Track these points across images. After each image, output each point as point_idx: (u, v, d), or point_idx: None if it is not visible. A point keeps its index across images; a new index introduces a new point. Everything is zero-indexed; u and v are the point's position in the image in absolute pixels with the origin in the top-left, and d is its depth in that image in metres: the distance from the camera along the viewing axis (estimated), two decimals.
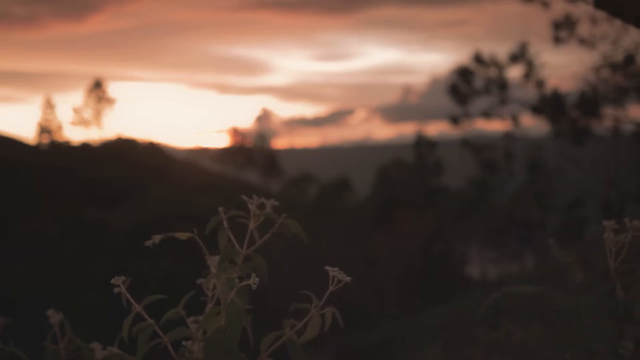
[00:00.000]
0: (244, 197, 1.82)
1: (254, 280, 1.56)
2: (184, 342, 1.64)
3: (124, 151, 47.01)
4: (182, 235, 1.74)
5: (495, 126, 36.84)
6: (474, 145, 33.94)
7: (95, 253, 30.30)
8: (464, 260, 40.25)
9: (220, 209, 1.81)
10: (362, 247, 31.73)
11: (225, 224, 1.80)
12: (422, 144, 42.24)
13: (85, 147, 48.70)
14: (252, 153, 56.66)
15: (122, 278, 1.66)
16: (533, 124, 36.22)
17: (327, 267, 1.61)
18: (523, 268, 33.31)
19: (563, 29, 24.31)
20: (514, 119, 32.70)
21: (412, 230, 35.16)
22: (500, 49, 35.77)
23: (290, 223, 1.79)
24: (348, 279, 1.59)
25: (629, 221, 1.62)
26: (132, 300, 1.65)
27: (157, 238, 1.72)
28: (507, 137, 33.70)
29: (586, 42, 23.52)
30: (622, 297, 1.57)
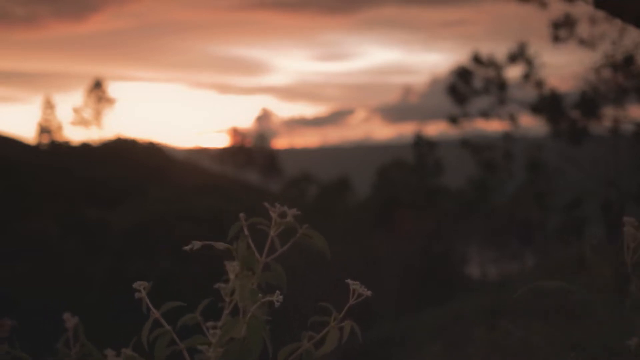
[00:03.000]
0: (266, 205, 1.79)
1: (278, 298, 1.55)
2: (199, 347, 1.63)
3: (124, 151, 47.00)
4: (220, 246, 1.73)
5: (494, 126, 36.83)
6: (474, 145, 33.93)
7: (95, 253, 30.29)
8: (464, 260, 40.24)
9: (242, 215, 1.78)
10: (362, 247, 31.70)
11: (246, 230, 1.78)
12: (421, 144, 42.22)
13: (85, 147, 48.69)
14: (252, 153, 56.63)
15: (144, 283, 1.65)
16: (533, 124, 36.24)
17: (348, 280, 1.60)
18: (523, 268, 33.34)
19: (562, 29, 24.31)
20: (513, 119, 32.71)
21: (412, 230, 35.15)
22: (501, 49, 35.80)
23: (313, 234, 1.77)
24: (369, 293, 1.58)
25: None
26: (151, 307, 1.64)
27: (197, 244, 1.70)
28: (507, 137, 33.70)
29: (586, 42, 23.53)
30: (637, 294, 1.57)
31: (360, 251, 30.80)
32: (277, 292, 1.57)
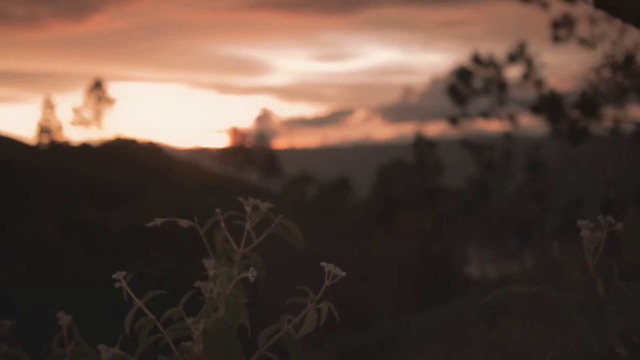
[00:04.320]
0: (240, 198, 1.83)
1: (252, 273, 1.57)
2: (183, 343, 1.65)
3: (124, 151, 47.00)
4: (184, 223, 1.76)
5: (494, 126, 36.82)
6: (474, 145, 33.94)
7: (95, 253, 30.30)
8: (464, 260, 40.28)
9: (218, 210, 1.82)
10: (362, 247, 31.72)
11: (223, 224, 1.81)
12: (421, 144, 42.24)
13: (85, 147, 48.67)
14: (252, 153, 56.65)
15: (123, 273, 1.67)
16: (533, 124, 36.24)
17: (322, 263, 1.63)
18: (522, 267, 33.35)
19: (562, 29, 24.32)
20: (513, 119, 32.71)
21: (412, 230, 35.16)
22: (500, 49, 35.82)
23: (289, 224, 1.79)
24: (343, 273, 1.60)
25: (602, 217, 1.66)
26: (133, 296, 1.66)
27: (158, 221, 1.75)
28: (507, 137, 33.70)
29: (586, 42, 23.53)
30: (603, 295, 1.60)
31: (360, 251, 30.80)
32: (251, 268, 1.58)
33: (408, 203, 39.28)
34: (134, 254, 27.76)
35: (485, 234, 39.77)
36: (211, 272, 1.74)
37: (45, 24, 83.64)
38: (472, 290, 27.52)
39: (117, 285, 1.66)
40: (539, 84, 30.01)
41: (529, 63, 30.70)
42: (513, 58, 31.30)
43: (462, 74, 32.19)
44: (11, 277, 27.84)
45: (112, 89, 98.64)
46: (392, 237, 34.14)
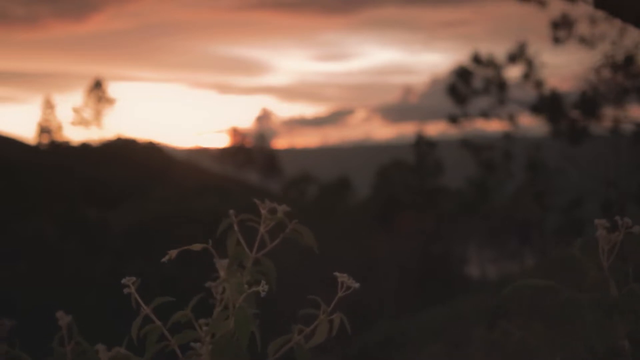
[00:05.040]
0: (256, 201, 1.80)
1: (263, 288, 1.55)
2: (192, 344, 1.64)
3: (124, 151, 46.99)
4: (197, 247, 1.73)
5: (494, 126, 36.78)
6: (474, 145, 33.91)
7: (95, 253, 30.30)
8: (464, 260, 40.28)
9: (231, 211, 1.79)
10: (362, 247, 31.72)
11: (236, 227, 1.78)
12: (421, 144, 42.22)
13: (85, 147, 48.66)
14: (252, 153, 56.64)
15: (133, 279, 1.66)
16: (533, 124, 36.22)
17: (336, 273, 1.59)
18: (522, 267, 33.36)
19: (562, 29, 24.31)
20: (513, 119, 32.70)
21: (412, 230, 35.16)
22: (501, 49, 35.76)
23: (302, 230, 1.77)
24: (357, 285, 1.57)
25: (620, 219, 1.64)
26: (141, 302, 1.65)
27: (173, 254, 1.71)
28: (507, 137, 33.68)
29: (586, 42, 23.53)
30: (615, 295, 1.58)
31: (360, 251, 30.80)
32: (263, 282, 1.57)
33: (408, 203, 39.27)
34: (134, 254, 27.76)
35: (485, 234, 39.76)
36: (222, 274, 1.72)
37: (45, 24, 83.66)
38: (472, 290, 27.51)
39: (126, 291, 1.64)
40: (539, 84, 29.99)
41: (529, 63, 30.68)
42: (513, 58, 31.28)
43: (462, 74, 32.18)
44: (11, 277, 27.84)
45: (112, 89, 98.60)
46: (392, 237, 34.13)
